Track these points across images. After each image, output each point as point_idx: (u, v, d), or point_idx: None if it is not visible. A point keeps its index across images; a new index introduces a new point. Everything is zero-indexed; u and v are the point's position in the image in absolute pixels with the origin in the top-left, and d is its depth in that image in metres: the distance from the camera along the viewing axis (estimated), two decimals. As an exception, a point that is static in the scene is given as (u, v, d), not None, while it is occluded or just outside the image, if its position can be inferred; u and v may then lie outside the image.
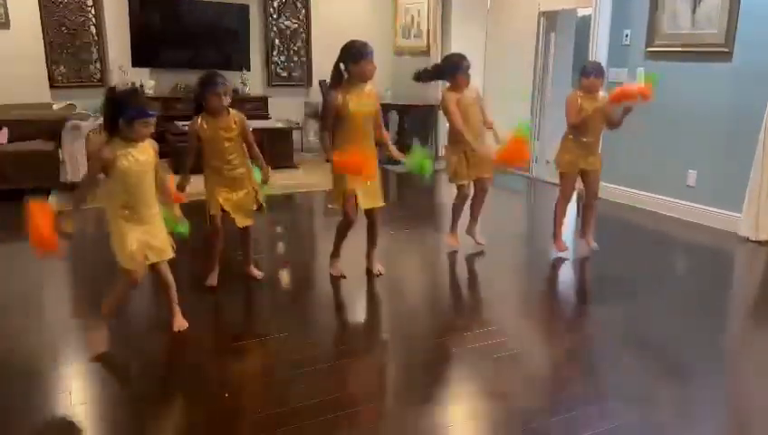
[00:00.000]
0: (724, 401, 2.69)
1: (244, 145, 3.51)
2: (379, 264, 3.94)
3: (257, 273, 3.82)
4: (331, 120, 3.52)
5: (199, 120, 3.40)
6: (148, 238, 2.79)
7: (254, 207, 3.60)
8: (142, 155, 2.73)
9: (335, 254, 3.88)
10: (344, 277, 3.82)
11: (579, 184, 4.34)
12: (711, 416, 2.54)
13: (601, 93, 4.15)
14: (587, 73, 4.08)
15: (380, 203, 3.77)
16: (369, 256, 3.94)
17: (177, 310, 3.09)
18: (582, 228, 4.46)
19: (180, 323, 3.08)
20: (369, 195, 3.68)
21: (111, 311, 2.91)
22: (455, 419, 2.46)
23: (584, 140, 4.14)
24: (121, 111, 2.64)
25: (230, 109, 3.43)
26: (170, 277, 3.00)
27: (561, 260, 4.29)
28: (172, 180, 3.28)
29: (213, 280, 3.67)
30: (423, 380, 2.72)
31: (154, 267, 2.91)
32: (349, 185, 3.57)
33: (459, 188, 4.26)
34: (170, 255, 2.92)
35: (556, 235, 4.38)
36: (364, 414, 2.47)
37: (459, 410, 2.52)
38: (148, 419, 2.42)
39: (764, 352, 3.16)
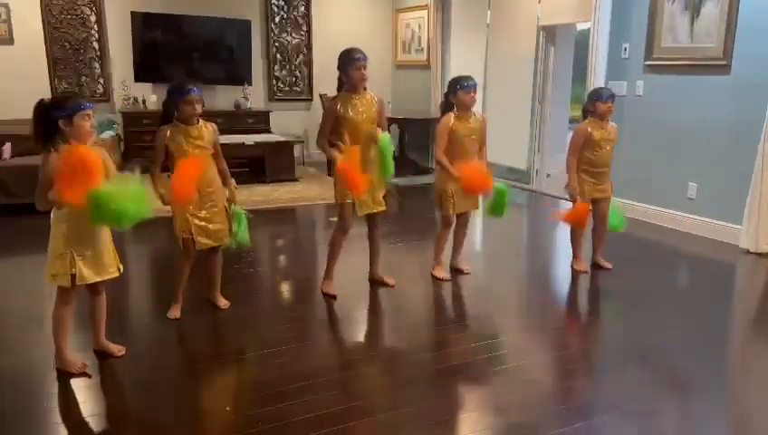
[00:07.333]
0: (724, 414, 2.68)
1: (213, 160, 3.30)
2: (386, 276, 3.94)
3: (224, 302, 3.54)
4: (328, 126, 3.55)
5: (168, 131, 3.14)
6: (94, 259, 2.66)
7: (226, 227, 3.33)
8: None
9: (328, 275, 3.79)
10: (335, 298, 3.73)
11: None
12: (711, 430, 2.53)
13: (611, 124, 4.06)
14: (603, 98, 3.96)
15: (380, 208, 3.71)
16: (373, 267, 3.94)
17: (102, 337, 2.92)
18: (593, 248, 4.34)
19: (112, 348, 2.93)
20: (367, 201, 3.65)
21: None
22: (456, 432, 2.46)
23: (595, 170, 4.05)
24: (58, 113, 2.51)
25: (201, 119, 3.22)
26: (104, 302, 2.87)
27: (561, 273, 4.29)
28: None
29: (176, 312, 3.38)
30: (424, 393, 2.71)
31: (92, 287, 2.77)
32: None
33: (444, 217, 4.04)
34: (114, 274, 2.78)
35: (575, 255, 4.28)
36: (365, 428, 2.47)
37: (461, 423, 2.52)
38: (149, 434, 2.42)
39: (765, 366, 3.15)
